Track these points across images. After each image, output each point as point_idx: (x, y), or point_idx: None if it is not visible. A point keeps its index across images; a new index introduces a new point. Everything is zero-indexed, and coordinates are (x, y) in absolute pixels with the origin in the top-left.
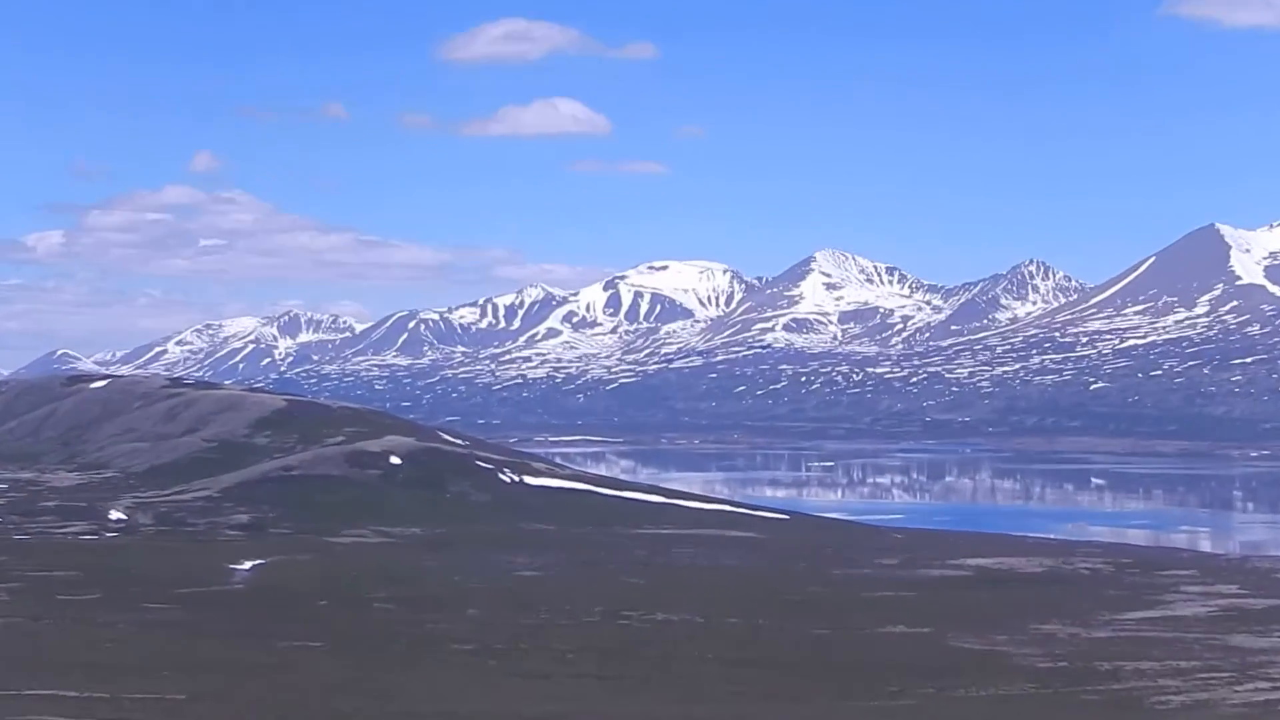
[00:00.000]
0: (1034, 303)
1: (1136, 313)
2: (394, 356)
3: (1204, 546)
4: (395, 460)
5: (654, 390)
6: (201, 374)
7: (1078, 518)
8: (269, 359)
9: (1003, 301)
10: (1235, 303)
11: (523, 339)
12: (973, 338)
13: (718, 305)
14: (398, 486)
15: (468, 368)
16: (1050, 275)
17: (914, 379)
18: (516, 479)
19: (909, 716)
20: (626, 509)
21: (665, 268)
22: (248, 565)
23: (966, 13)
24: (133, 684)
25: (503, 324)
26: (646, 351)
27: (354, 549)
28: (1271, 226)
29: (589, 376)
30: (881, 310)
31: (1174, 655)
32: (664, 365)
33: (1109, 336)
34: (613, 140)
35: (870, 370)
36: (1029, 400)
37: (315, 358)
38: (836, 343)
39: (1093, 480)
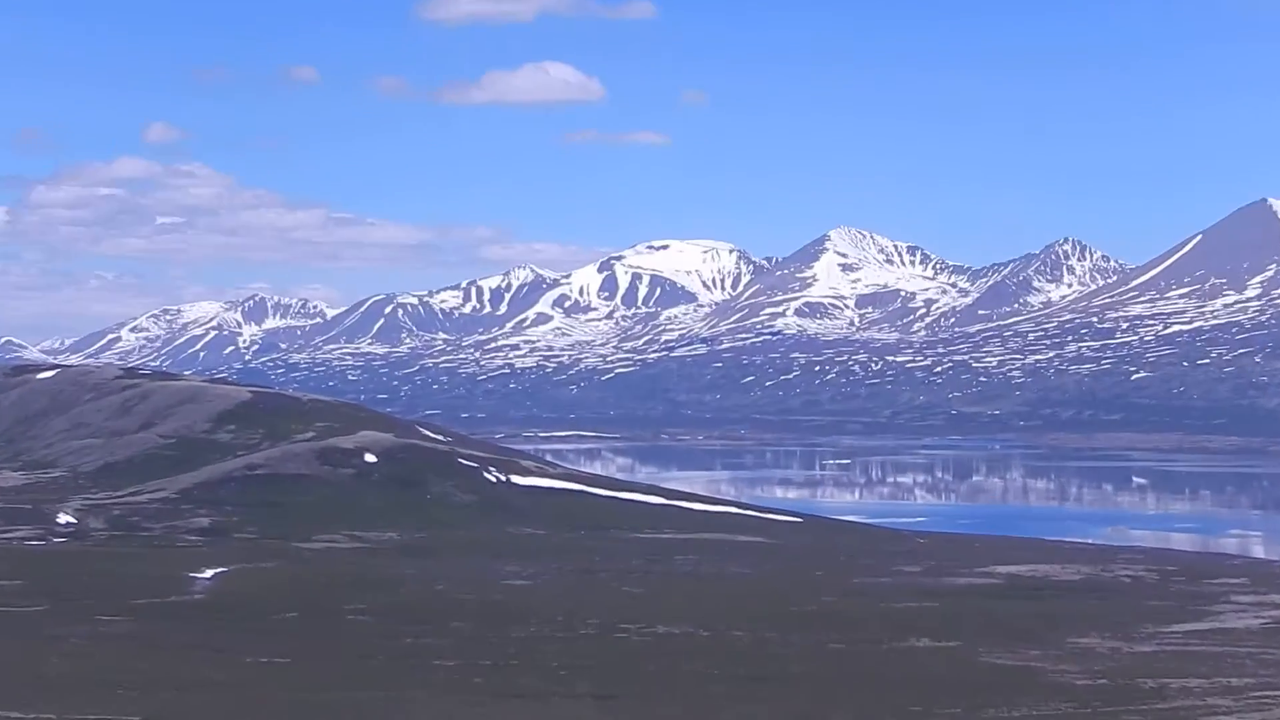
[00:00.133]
0: (1069, 285)
1: (1181, 296)
2: (369, 344)
3: (1256, 552)
4: (370, 458)
5: (653, 381)
6: (158, 364)
7: (1118, 521)
8: (232, 347)
9: (1035, 284)
10: None
11: (510, 325)
12: (1002, 323)
13: (723, 288)
14: (373, 487)
15: (450, 357)
16: (1087, 255)
17: (938, 369)
18: (503, 479)
19: None
20: (624, 511)
21: (666, 247)
22: (209, 573)
23: None
24: (83, 703)
25: (488, 309)
26: (645, 339)
27: (325, 555)
28: None
29: (582, 366)
30: (902, 293)
31: (1224, 671)
32: (664, 354)
33: (1152, 322)
34: (608, 108)
35: (890, 359)
36: (1064, 392)
37: (283, 346)
38: (853, 329)
39: (1134, 479)
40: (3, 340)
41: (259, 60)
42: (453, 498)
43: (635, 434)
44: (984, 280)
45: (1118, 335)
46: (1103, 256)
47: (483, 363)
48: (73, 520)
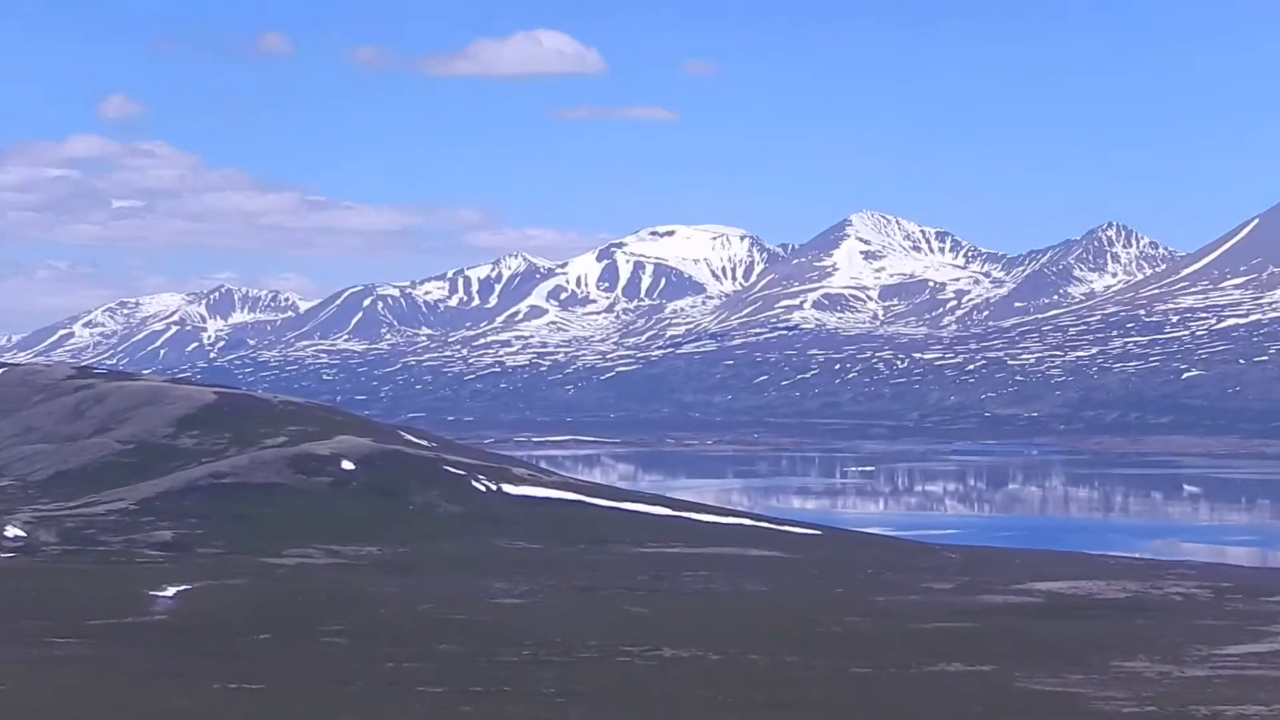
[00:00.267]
0: (1114, 274)
1: (1237, 286)
2: (346, 340)
3: None
4: (348, 466)
5: (658, 381)
6: (115, 362)
7: (1168, 533)
8: (196, 344)
9: (1076, 273)
10: None
11: (501, 319)
12: (1041, 317)
13: (734, 278)
14: (351, 497)
15: (435, 354)
16: (1133, 241)
17: (970, 367)
18: (493, 487)
19: None
20: (626, 524)
21: (671, 233)
22: (171, 592)
23: None
24: None
25: (476, 301)
26: (649, 334)
27: (298, 572)
28: None
29: (580, 364)
30: (931, 284)
31: None
32: (670, 350)
33: (1204, 315)
34: (607, 80)
35: (918, 356)
36: (1108, 392)
37: (251, 342)
38: (877, 323)
39: (1185, 488)
40: None
41: (225, 27)
42: (438, 509)
43: (638, 439)
44: (1020, 269)
45: (1167, 329)
46: (1150, 243)
47: (471, 361)
48: (21, 534)
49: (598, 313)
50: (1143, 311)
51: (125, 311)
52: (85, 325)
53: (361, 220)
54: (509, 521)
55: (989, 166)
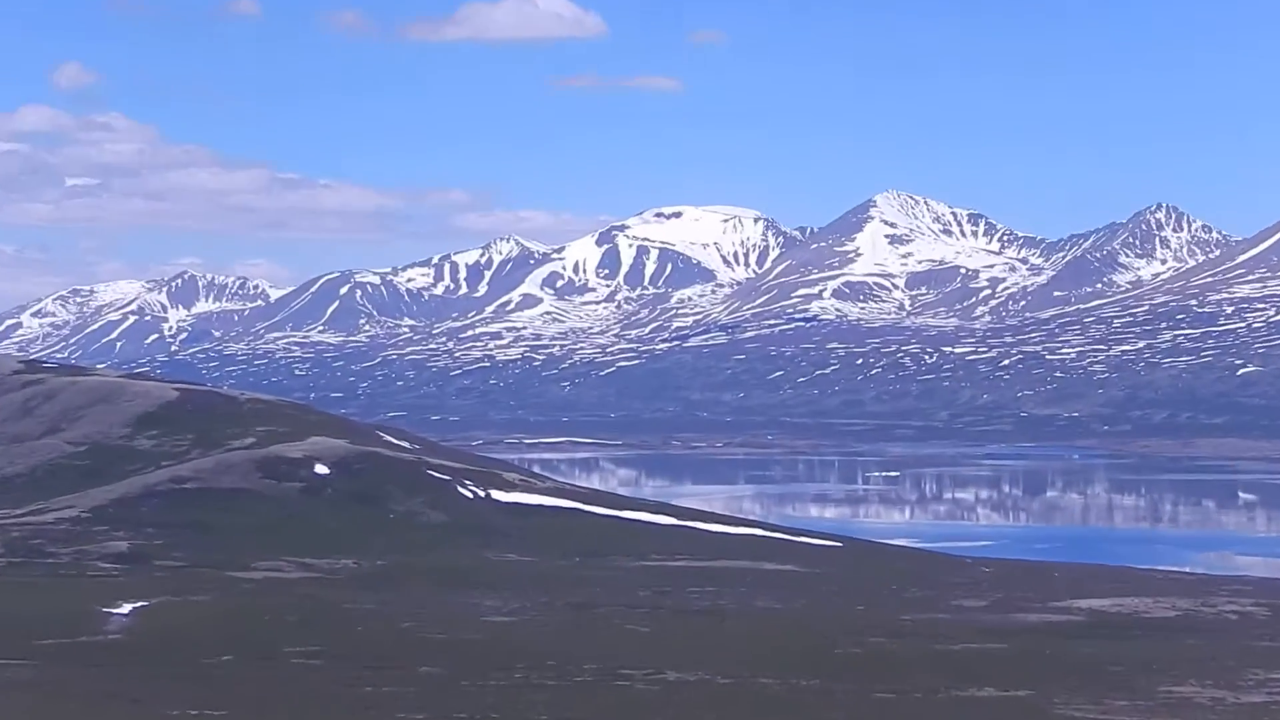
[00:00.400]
0: (1163, 261)
1: None
2: (321, 332)
3: None
4: (322, 469)
5: (663, 377)
6: (67, 355)
7: (1221, 545)
8: (156, 335)
9: (1122, 259)
10: None
11: (490, 309)
12: (1083, 307)
13: (747, 264)
14: (325, 504)
15: (418, 347)
16: (1184, 225)
17: (1005, 362)
18: (481, 494)
19: None
20: (626, 534)
21: (678, 215)
22: (126, 609)
23: None
24: None
25: (464, 290)
26: (653, 325)
27: (267, 587)
28: None
29: (577, 359)
30: (962, 271)
31: None
32: (676, 343)
33: (1262, 305)
34: (609, 48)
35: (948, 350)
36: (1157, 390)
37: (217, 334)
38: (903, 314)
39: (1241, 495)
40: None
41: None
42: (420, 517)
43: (640, 440)
44: (1061, 255)
45: (1221, 321)
46: (1203, 227)
47: (457, 354)
48: None
49: (597, 302)
50: (1195, 302)
51: (79, 300)
52: (34, 315)
53: (338, 200)
54: (498, 532)
55: (1027, 142)
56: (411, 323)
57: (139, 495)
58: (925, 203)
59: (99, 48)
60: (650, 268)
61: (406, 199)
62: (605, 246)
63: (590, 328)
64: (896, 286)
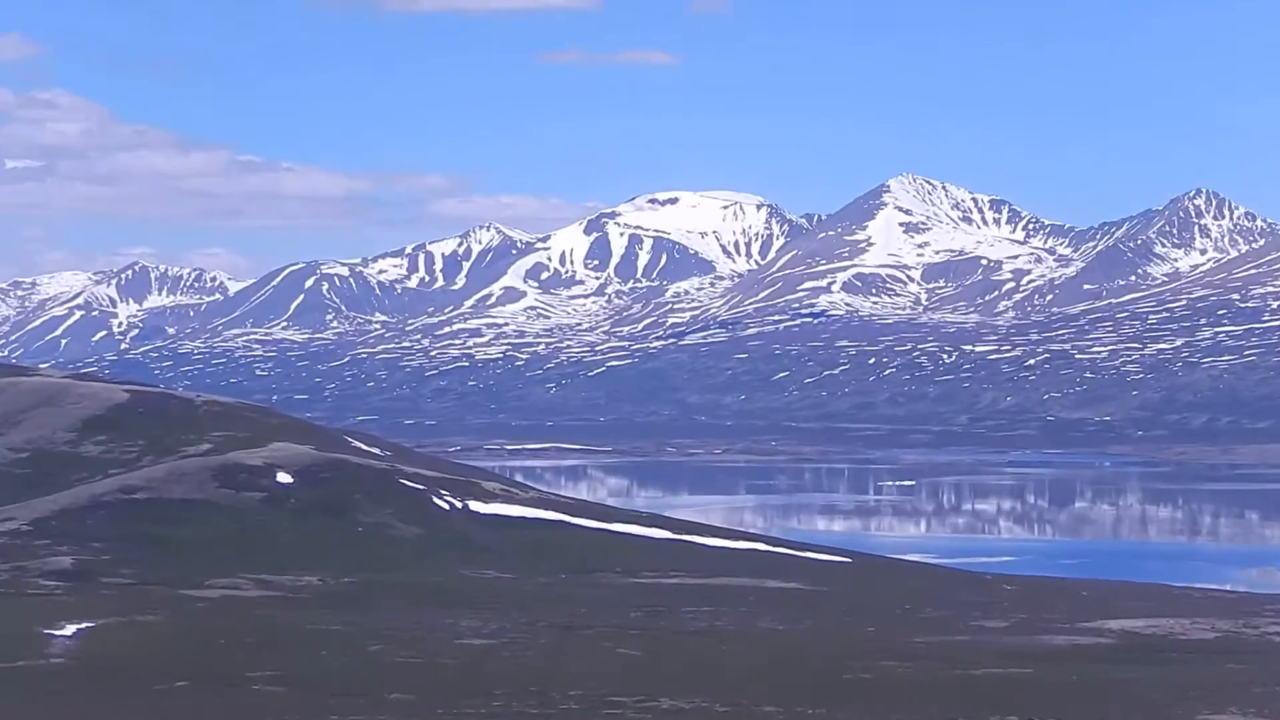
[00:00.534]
0: (1202, 251)
1: None
2: (284, 329)
3: None
4: (284, 478)
5: (657, 377)
6: (8, 353)
7: (1265, 560)
8: (104, 332)
9: (1158, 249)
10: None
11: (469, 304)
12: (1115, 301)
13: (749, 255)
14: (288, 516)
15: (390, 345)
16: (1226, 212)
17: (1030, 361)
18: (459, 505)
19: None
20: (617, 549)
21: (674, 201)
22: (71, 630)
23: None
24: None
25: (441, 282)
26: (646, 321)
27: (224, 606)
28: None
29: (564, 358)
30: (984, 262)
31: None
32: (671, 341)
33: None
34: (599, 19)
35: (967, 348)
36: (1196, 391)
37: (171, 330)
38: (920, 309)
39: None
40: None
41: None
42: (392, 530)
43: (632, 447)
44: (1091, 245)
45: (1266, 317)
46: (1246, 214)
47: (433, 353)
48: None
49: (585, 296)
50: (1237, 296)
51: (19, 294)
52: None
53: (303, 185)
54: (477, 546)
55: (1054, 123)
56: (383, 318)
57: (85, 506)
58: (943, 188)
59: (42, 17)
60: (643, 259)
61: (378, 183)
62: (594, 235)
63: (578, 324)
64: (912, 279)
